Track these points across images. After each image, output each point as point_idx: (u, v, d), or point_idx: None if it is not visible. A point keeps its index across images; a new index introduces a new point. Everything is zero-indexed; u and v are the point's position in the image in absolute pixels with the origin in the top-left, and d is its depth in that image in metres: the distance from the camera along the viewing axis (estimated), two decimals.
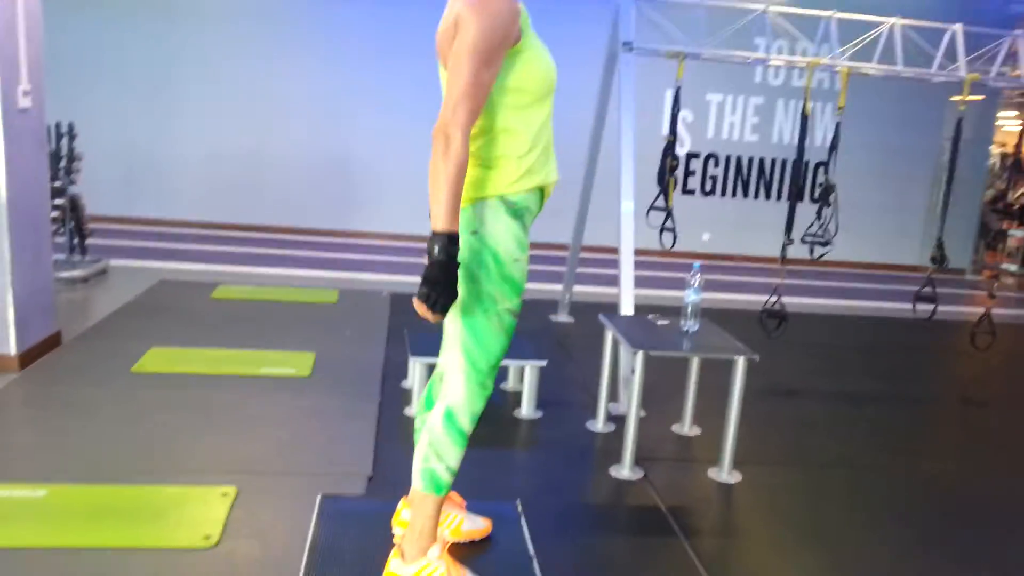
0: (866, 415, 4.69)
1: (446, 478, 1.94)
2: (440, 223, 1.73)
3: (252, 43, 8.73)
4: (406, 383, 4.35)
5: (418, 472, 1.90)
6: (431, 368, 4.00)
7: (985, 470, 4.09)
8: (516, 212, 1.90)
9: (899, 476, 3.84)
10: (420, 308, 1.78)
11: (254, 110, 8.85)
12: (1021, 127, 7.34)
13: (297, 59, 8.79)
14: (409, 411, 4.06)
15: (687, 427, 4.12)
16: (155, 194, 8.91)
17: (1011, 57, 5.48)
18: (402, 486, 3.20)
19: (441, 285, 1.74)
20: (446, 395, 1.94)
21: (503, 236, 1.89)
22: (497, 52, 1.82)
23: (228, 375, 4.38)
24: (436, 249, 1.74)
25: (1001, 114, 11.47)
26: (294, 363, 4.61)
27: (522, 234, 1.93)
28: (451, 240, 1.74)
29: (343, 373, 4.54)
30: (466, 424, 1.94)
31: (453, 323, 1.94)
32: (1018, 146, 6.19)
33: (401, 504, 2.20)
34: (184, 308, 5.69)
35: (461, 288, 1.84)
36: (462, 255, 1.83)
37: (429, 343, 4.18)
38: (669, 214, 4.99)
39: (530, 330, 5.45)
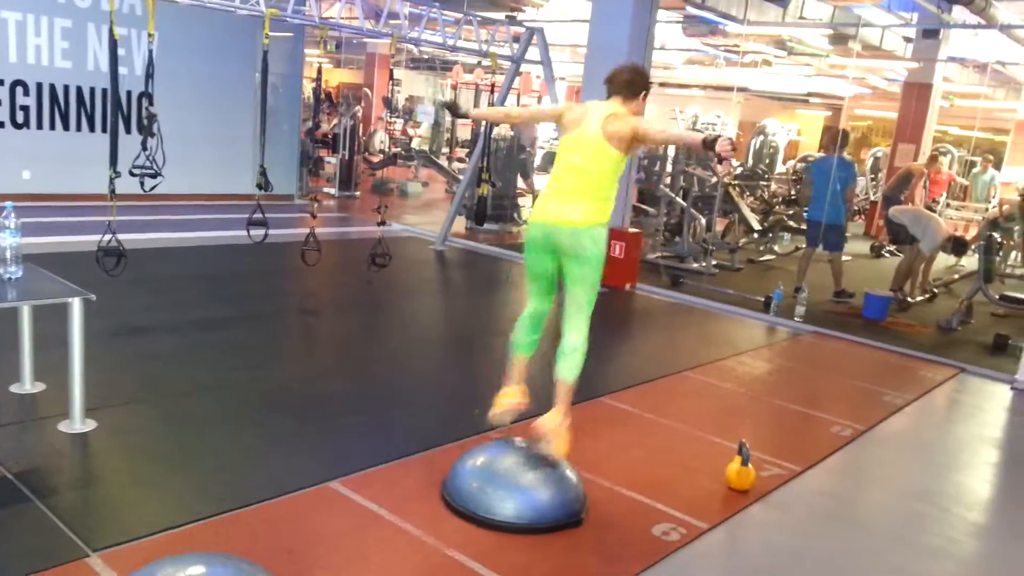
0: (215, 340, 4.90)
1: None
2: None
3: None
4: None
5: (572, 374, 3.12)
6: None
7: (323, 371, 4.70)
8: None
9: (252, 389, 4.15)
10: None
11: None
12: (319, 64, 8.25)
13: None
14: None
15: (28, 384, 3.74)
16: None
17: None
18: None
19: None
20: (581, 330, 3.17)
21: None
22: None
23: None
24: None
25: (308, 51, 12.63)
26: None
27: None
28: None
29: None
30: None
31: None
32: (318, 79, 6.97)
33: (511, 387, 3.31)
34: None
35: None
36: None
37: None
38: None
39: None
